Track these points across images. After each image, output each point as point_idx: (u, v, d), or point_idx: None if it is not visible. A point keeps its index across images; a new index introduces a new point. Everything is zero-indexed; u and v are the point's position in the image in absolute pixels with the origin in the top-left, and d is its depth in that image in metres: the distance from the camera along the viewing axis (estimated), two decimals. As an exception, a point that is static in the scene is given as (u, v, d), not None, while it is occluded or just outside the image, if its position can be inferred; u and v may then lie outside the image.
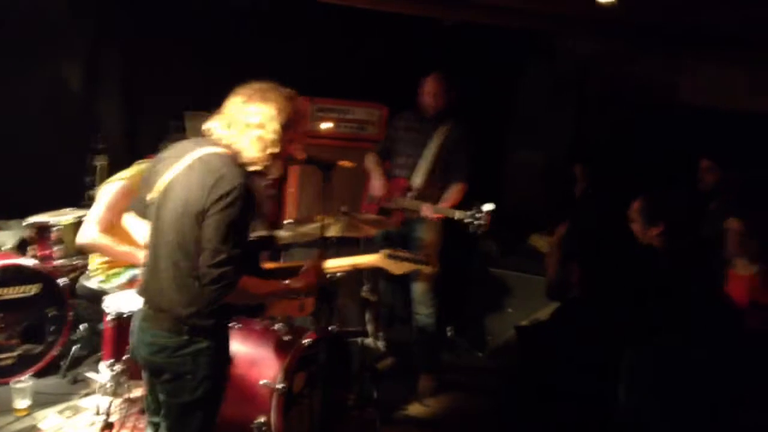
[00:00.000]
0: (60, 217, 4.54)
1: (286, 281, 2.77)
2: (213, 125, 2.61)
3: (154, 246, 2.60)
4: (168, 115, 5.28)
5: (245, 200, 2.45)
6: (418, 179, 4.63)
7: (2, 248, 4.55)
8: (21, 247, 4.72)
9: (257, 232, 2.65)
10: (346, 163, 3.31)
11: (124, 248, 3.75)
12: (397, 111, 5.07)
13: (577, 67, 6.30)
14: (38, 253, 4.50)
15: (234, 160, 2.54)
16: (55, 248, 4.50)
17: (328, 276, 2.86)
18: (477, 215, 4.12)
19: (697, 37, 5.01)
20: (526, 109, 6.83)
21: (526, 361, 2.71)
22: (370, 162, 4.81)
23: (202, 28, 5.46)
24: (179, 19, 5.41)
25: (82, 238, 3.83)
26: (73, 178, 4.90)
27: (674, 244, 3.25)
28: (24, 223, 4.60)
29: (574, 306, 2.65)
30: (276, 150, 2.58)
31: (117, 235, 3.85)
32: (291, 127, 2.61)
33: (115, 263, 4.08)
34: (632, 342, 2.56)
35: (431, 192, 4.62)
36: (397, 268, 2.91)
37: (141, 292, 2.70)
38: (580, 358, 2.68)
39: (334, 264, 2.91)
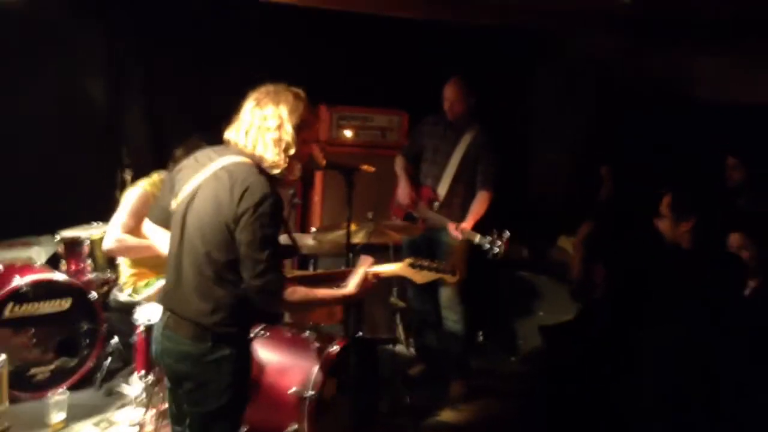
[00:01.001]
0: (90, 231, 4.60)
1: (341, 289, 2.72)
2: (231, 134, 2.63)
3: (177, 254, 2.61)
4: (193, 127, 5.32)
5: (275, 208, 2.47)
6: (442, 189, 4.62)
7: (35, 263, 4.61)
8: (53, 262, 4.79)
9: (282, 241, 2.63)
10: (368, 168, 3.32)
11: (146, 241, 3.81)
12: (417, 116, 5.07)
13: (593, 65, 6.25)
14: (70, 268, 4.56)
15: (258, 168, 2.55)
16: (87, 262, 4.56)
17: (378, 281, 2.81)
18: (497, 243, 4.13)
19: (716, 31, 4.95)
20: (544, 110, 6.79)
21: (551, 361, 2.68)
22: (398, 166, 4.82)
23: (223, 38, 5.51)
24: (201, 33, 5.48)
25: (107, 244, 3.96)
26: (102, 192, 4.96)
27: (704, 239, 3.21)
28: (55, 239, 4.67)
29: (597, 306, 2.62)
30: (293, 151, 2.58)
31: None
32: (304, 127, 2.62)
33: (145, 274, 4.13)
34: (657, 337, 2.52)
35: (457, 201, 4.60)
36: (421, 277, 2.88)
37: (162, 300, 2.70)
38: (603, 356, 2.65)
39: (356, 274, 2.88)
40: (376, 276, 2.79)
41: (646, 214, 3.41)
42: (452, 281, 2.94)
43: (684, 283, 2.91)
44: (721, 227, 3.40)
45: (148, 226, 2.86)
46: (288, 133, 2.56)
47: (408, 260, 2.88)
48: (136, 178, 4.56)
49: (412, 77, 5.81)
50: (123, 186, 4.67)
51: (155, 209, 2.82)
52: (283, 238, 2.68)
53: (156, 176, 4.16)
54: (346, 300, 2.74)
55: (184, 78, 5.55)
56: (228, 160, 2.57)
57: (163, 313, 2.69)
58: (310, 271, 4.98)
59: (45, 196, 4.99)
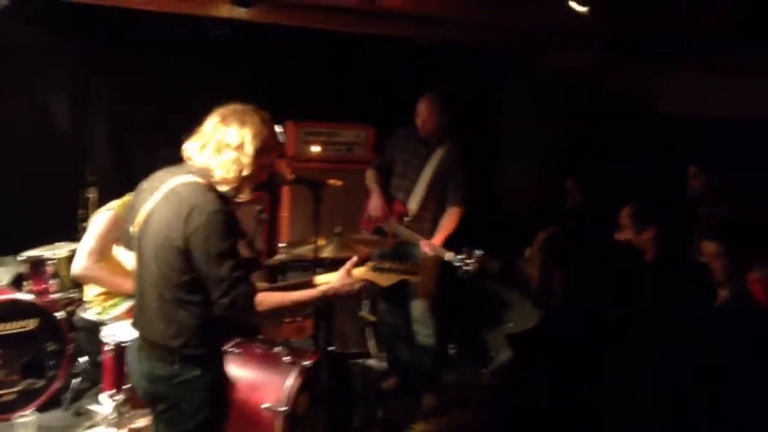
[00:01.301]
0: (54, 251, 4.53)
1: (321, 287, 2.74)
2: (189, 147, 2.60)
3: (139, 278, 2.61)
4: (157, 144, 5.30)
5: (226, 223, 2.44)
6: (413, 204, 4.62)
7: (-2, 284, 4.54)
8: (17, 283, 4.71)
9: (243, 255, 2.63)
10: (335, 182, 3.34)
11: (118, 279, 3.80)
12: (384, 130, 5.09)
13: (558, 81, 6.36)
14: (34, 288, 4.48)
15: (207, 186, 2.52)
16: (51, 282, 4.49)
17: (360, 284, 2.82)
18: (468, 261, 4.13)
19: (675, 46, 5.08)
20: (512, 125, 6.89)
21: (518, 369, 2.72)
22: (369, 179, 4.81)
23: (187, 57, 5.49)
24: (165, 52, 5.46)
25: (76, 269, 3.89)
26: (66, 211, 4.90)
27: (667, 247, 3.28)
28: (18, 258, 4.59)
29: (557, 312, 2.67)
30: (248, 173, 2.55)
31: (110, 265, 3.88)
32: (265, 152, 2.60)
33: (112, 294, 4.09)
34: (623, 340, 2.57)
35: (427, 215, 4.62)
36: (384, 279, 2.90)
37: (134, 324, 2.69)
38: (565, 363, 2.69)
39: (323, 280, 2.89)
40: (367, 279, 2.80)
41: (609, 223, 3.48)
42: (416, 280, 2.96)
43: (651, 290, 2.97)
44: (684, 235, 3.48)
45: (119, 250, 2.85)
46: (247, 156, 2.54)
47: (370, 264, 2.90)
48: (100, 196, 4.52)
49: (379, 92, 5.86)
50: (86, 205, 4.62)
51: (123, 233, 2.84)
52: (246, 252, 2.68)
53: (128, 197, 4.11)
54: (324, 298, 2.73)
55: (147, 97, 5.52)
56: (178, 180, 2.54)
57: (136, 336, 2.68)
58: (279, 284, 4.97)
59: (7, 216, 4.92)
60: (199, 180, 2.53)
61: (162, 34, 5.29)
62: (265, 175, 2.67)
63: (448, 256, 4.23)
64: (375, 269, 2.88)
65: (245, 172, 2.54)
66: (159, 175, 2.64)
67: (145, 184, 2.67)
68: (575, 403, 2.69)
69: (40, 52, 5.21)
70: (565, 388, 2.68)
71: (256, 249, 2.81)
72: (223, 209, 2.46)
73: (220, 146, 2.54)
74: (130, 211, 2.69)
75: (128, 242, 2.71)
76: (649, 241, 3.28)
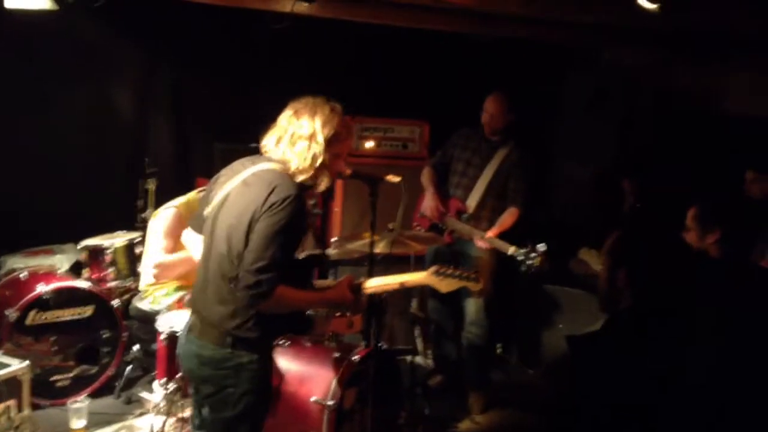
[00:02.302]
0: (113, 240, 4.62)
1: (326, 294, 2.79)
2: (266, 141, 2.69)
3: (205, 259, 2.67)
4: (216, 135, 5.38)
5: (295, 210, 2.50)
6: (472, 201, 4.58)
7: (58, 271, 4.64)
8: (75, 270, 4.82)
9: (308, 250, 2.67)
10: (392, 178, 3.30)
11: (183, 255, 3.83)
12: (438, 126, 5.06)
13: (619, 78, 6.22)
14: (92, 276, 4.58)
15: (288, 174, 2.60)
16: (109, 270, 4.58)
17: (367, 293, 2.83)
18: (531, 255, 4.06)
19: (743, 44, 4.91)
20: (569, 122, 6.76)
21: (578, 372, 2.65)
22: (425, 177, 4.78)
23: (247, 50, 5.55)
24: (225, 42, 5.52)
25: (152, 267, 3.91)
26: (125, 201, 5.01)
27: (732, 251, 3.17)
28: (78, 247, 4.70)
29: (625, 316, 2.59)
30: (320, 161, 2.61)
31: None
32: (337, 141, 2.66)
33: (163, 284, 4.14)
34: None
35: (485, 214, 4.57)
36: (445, 285, 2.87)
37: (190, 303, 2.77)
38: (633, 368, 2.61)
39: (381, 282, 2.89)
40: (402, 285, 2.82)
41: (671, 226, 3.38)
42: (476, 288, 2.93)
43: (713, 294, 2.88)
44: (750, 239, 3.36)
45: (187, 235, 2.90)
46: (319, 144, 2.61)
47: (432, 268, 2.88)
48: (159, 187, 4.59)
49: (434, 88, 5.81)
50: (145, 195, 4.70)
51: (194, 217, 2.88)
52: (312, 248, 2.71)
53: (193, 195, 4.16)
54: (329, 302, 2.80)
55: (209, 89, 5.60)
56: (259, 167, 2.64)
57: (190, 316, 2.73)
58: (329, 280, 4.97)
59: (69, 204, 5.05)
60: (280, 167, 2.62)
61: (223, 28, 5.35)
62: (340, 164, 2.77)
63: (512, 250, 4.16)
64: (437, 274, 2.85)
65: (319, 161, 2.60)
66: (240, 161, 2.75)
67: (224, 170, 2.76)
68: (639, 407, 2.62)
69: (105, 44, 5.33)
70: (630, 392, 2.61)
71: (322, 244, 2.84)
72: (300, 197, 2.54)
73: (294, 138, 2.62)
74: (204, 196, 2.79)
75: (199, 225, 2.78)
76: (713, 245, 3.17)
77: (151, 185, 4.77)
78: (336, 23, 5.05)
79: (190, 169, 5.47)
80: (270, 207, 2.47)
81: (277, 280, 2.47)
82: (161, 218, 4.02)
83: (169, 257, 3.91)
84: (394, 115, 5.72)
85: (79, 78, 5.27)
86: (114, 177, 5.31)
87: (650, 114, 6.05)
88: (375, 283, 2.88)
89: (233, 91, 5.57)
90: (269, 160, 2.66)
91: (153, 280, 4.12)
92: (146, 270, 4.02)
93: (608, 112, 6.39)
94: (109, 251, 4.58)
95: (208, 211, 2.71)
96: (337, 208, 5.48)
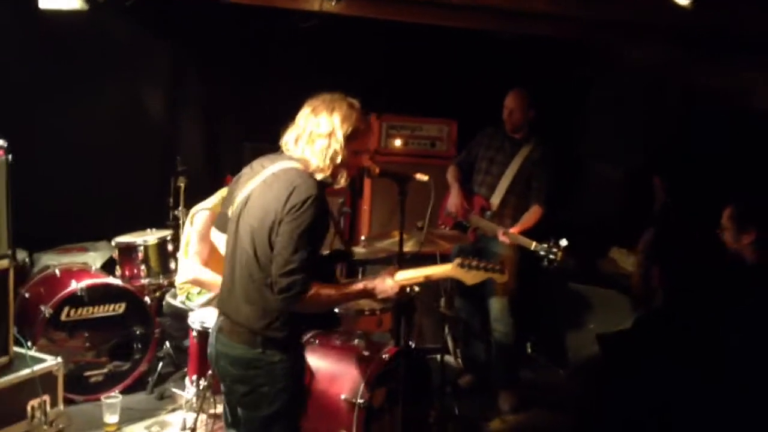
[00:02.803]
0: (145, 238, 4.67)
1: (360, 284, 2.74)
2: (285, 139, 2.68)
3: (230, 259, 2.67)
4: (245, 134, 5.42)
5: (317, 210, 2.49)
6: (496, 199, 4.60)
7: (91, 268, 4.71)
8: (108, 267, 4.89)
9: (333, 247, 2.66)
10: (421, 176, 3.30)
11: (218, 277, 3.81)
12: (466, 125, 5.06)
13: (645, 76, 6.15)
14: (124, 273, 4.64)
15: (308, 173, 2.59)
16: (141, 267, 4.63)
17: (406, 287, 2.83)
18: (553, 250, 4.05)
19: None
20: (598, 121, 6.70)
21: (609, 369, 2.63)
22: (450, 175, 4.81)
23: (275, 49, 5.58)
24: (253, 40, 5.57)
25: (187, 274, 3.91)
26: (157, 199, 5.06)
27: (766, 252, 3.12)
28: (111, 244, 4.76)
29: (658, 315, 2.56)
30: (340, 159, 2.59)
31: (212, 261, 3.90)
32: (356, 137, 2.64)
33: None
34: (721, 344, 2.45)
35: (508, 212, 4.58)
36: (471, 277, 2.86)
37: (218, 304, 2.77)
38: (665, 368, 2.58)
39: (408, 275, 2.88)
40: (427, 278, 2.80)
41: (704, 224, 3.33)
42: (502, 280, 2.92)
43: (749, 297, 2.83)
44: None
45: (214, 234, 2.93)
46: (338, 141, 2.59)
47: (457, 260, 2.87)
48: (189, 185, 4.63)
49: (461, 86, 5.79)
50: (177, 193, 4.74)
51: (220, 217, 2.91)
52: (336, 245, 2.70)
53: (218, 195, 4.15)
54: (364, 293, 2.73)
55: (238, 89, 5.64)
56: (279, 166, 2.63)
57: (218, 316, 2.74)
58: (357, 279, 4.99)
59: (101, 202, 5.13)
60: (300, 166, 2.60)
61: (252, 27, 5.39)
62: (360, 160, 2.74)
63: (534, 246, 4.15)
64: (461, 266, 2.85)
65: (339, 159, 2.59)
66: (260, 161, 2.74)
67: (245, 170, 2.76)
68: (672, 406, 2.58)
69: (136, 43, 5.40)
70: (662, 393, 2.58)
71: (346, 241, 2.82)
72: (320, 196, 2.53)
73: (313, 136, 2.60)
74: (228, 195, 2.80)
75: (223, 225, 2.80)
76: (748, 246, 3.13)
77: (182, 183, 4.81)
78: (363, 21, 5.05)
79: (220, 167, 5.50)
80: (291, 209, 2.47)
81: (309, 280, 2.47)
82: (196, 221, 3.99)
83: (206, 275, 3.84)
84: (422, 113, 5.71)
85: (111, 78, 5.36)
86: (145, 175, 5.38)
87: (677, 112, 5.97)
88: (402, 276, 2.86)
89: (262, 90, 5.60)
90: (289, 158, 2.64)
91: (188, 279, 4.15)
92: (183, 268, 4.03)
93: (635, 110, 6.32)
94: (141, 249, 4.63)
95: (231, 210, 2.72)
96: (365, 206, 5.49)
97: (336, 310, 3.40)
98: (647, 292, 2.45)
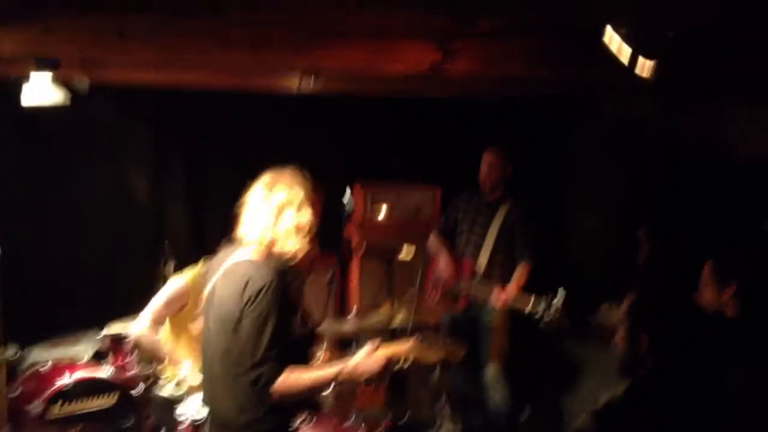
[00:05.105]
0: (133, 326, 4.63)
1: (338, 366, 2.61)
2: (243, 230, 2.64)
3: (206, 354, 2.66)
4: (233, 217, 5.42)
5: (275, 298, 2.46)
6: (482, 260, 4.62)
7: (81, 360, 4.65)
8: (98, 358, 4.83)
9: (300, 330, 2.60)
10: (406, 255, 3.32)
11: (167, 349, 3.79)
12: (450, 191, 5.11)
13: (627, 128, 6.26)
14: (115, 363, 4.57)
15: (263, 261, 2.56)
16: (131, 356, 4.57)
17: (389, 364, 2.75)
18: (549, 309, 4.06)
19: (748, 89, 4.93)
20: (581, 175, 6.78)
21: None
22: (434, 243, 4.83)
23: (258, 129, 5.64)
24: (238, 125, 5.64)
25: (135, 330, 3.86)
26: (146, 285, 5.04)
27: (750, 305, 3.12)
28: (101, 334, 4.71)
29: (646, 381, 2.55)
30: (312, 233, 2.60)
31: (183, 335, 3.90)
32: (316, 206, 2.63)
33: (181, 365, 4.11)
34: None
35: (497, 272, 4.60)
36: (429, 355, 2.86)
37: (204, 401, 2.75)
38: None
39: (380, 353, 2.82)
40: (390, 358, 2.69)
41: (687, 280, 3.34)
42: (458, 358, 2.91)
43: (730, 353, 2.83)
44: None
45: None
46: (306, 216, 2.59)
47: (417, 337, 2.86)
48: (177, 268, 4.62)
49: (444, 153, 5.87)
50: (165, 278, 4.72)
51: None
52: (301, 328, 2.64)
53: (202, 266, 4.15)
54: (344, 376, 2.58)
55: (223, 170, 5.69)
56: (234, 259, 2.60)
57: (208, 414, 2.72)
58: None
59: (92, 290, 5.12)
60: (253, 257, 2.57)
61: (234, 108, 5.46)
62: (318, 221, 2.67)
63: (530, 308, 4.16)
64: (420, 344, 2.83)
65: (311, 234, 2.60)
66: (219, 255, 2.73)
67: (211, 262, 2.76)
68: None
69: (120, 130, 5.46)
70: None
71: (311, 324, 2.77)
72: (276, 284, 2.49)
73: (279, 221, 2.57)
74: (197, 289, 2.82)
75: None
76: (730, 299, 3.13)
77: (171, 267, 4.80)
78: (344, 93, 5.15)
79: (208, 252, 5.51)
80: (248, 302, 2.45)
81: (276, 371, 2.44)
82: (169, 284, 4.00)
83: (150, 335, 3.80)
84: (406, 181, 5.76)
85: (96, 166, 5.41)
86: (135, 261, 5.36)
87: (660, 162, 6.05)
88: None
89: (248, 170, 5.64)
90: (247, 245, 2.61)
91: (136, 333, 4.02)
92: (136, 324, 3.93)
93: (618, 161, 6.41)
94: (130, 338, 4.58)
95: (202, 304, 2.71)
96: (354, 281, 5.47)
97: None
98: (635, 357, 2.45)
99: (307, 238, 2.59)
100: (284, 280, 2.55)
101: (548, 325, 4.07)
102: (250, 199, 2.65)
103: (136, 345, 4.07)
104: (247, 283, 2.47)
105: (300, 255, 2.59)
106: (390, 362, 2.70)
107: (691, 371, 2.56)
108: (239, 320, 2.46)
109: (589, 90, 5.40)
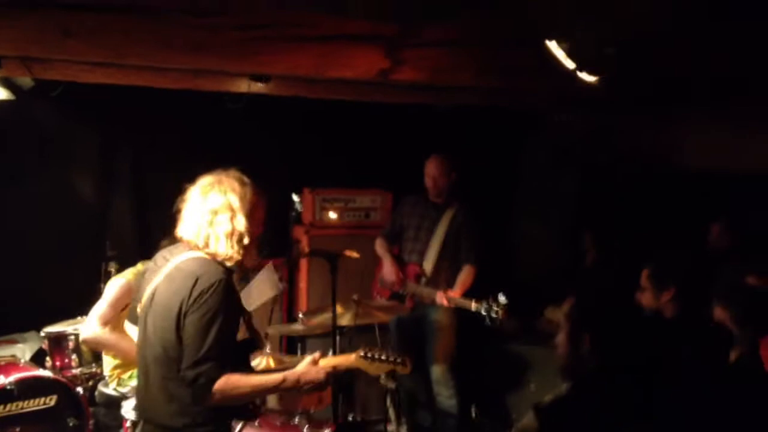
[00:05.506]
0: (75, 326, 4.56)
1: (281, 374, 2.63)
2: (183, 231, 2.60)
3: (142, 358, 2.59)
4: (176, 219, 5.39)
5: (224, 296, 2.44)
6: (428, 264, 4.68)
7: (20, 361, 4.56)
8: (39, 358, 4.74)
9: (240, 335, 2.60)
10: (351, 254, 3.36)
11: (126, 344, 3.81)
12: (401, 195, 5.16)
13: (574, 138, 6.40)
14: (55, 363, 4.50)
15: (212, 259, 2.54)
16: (72, 357, 4.51)
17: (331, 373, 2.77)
18: (494, 308, 4.14)
19: (691, 101, 5.07)
20: (528, 183, 6.91)
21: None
22: (380, 247, 4.89)
23: (204, 130, 5.60)
24: (184, 127, 5.60)
25: (85, 333, 3.95)
26: (87, 285, 4.97)
27: (687, 308, 3.24)
28: (40, 335, 4.63)
29: (588, 380, 2.62)
30: (247, 240, 2.55)
31: (120, 333, 3.92)
32: (254, 211, 2.59)
33: (128, 366, 4.10)
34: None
35: (443, 276, 4.66)
36: (374, 368, 2.87)
37: (136, 408, 2.69)
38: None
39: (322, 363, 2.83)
40: (334, 368, 2.74)
41: (631, 281, 3.44)
42: (405, 372, 2.94)
43: (667, 353, 2.93)
44: (704, 296, 3.43)
45: (128, 327, 2.87)
46: (240, 223, 2.54)
47: (360, 352, 2.87)
48: (119, 270, 4.58)
49: (394, 157, 5.92)
50: (107, 279, 4.67)
51: (131, 311, 2.84)
52: (243, 332, 2.64)
53: (140, 266, 4.18)
54: (287, 385, 2.60)
55: (168, 172, 5.62)
56: (179, 258, 2.56)
57: (140, 420, 2.65)
58: (297, 355, 4.95)
59: (31, 291, 5.01)
60: (202, 255, 2.54)
61: (180, 109, 5.42)
62: (261, 229, 2.65)
63: (474, 306, 4.23)
64: (365, 357, 2.85)
65: (245, 241, 2.55)
66: (162, 253, 2.68)
67: (150, 264, 2.71)
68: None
69: (64, 130, 5.37)
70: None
71: (254, 329, 2.77)
72: (226, 282, 2.47)
73: (213, 225, 2.53)
74: (137, 291, 2.72)
75: (135, 319, 2.72)
76: (668, 303, 3.24)
77: (113, 269, 4.75)
78: (291, 99, 5.15)
79: (151, 252, 5.46)
80: (196, 299, 2.40)
81: (217, 371, 2.40)
82: (109, 287, 4.07)
83: (104, 335, 3.89)
84: (357, 186, 5.79)
85: (38, 165, 5.30)
86: (76, 262, 5.28)
87: (607, 172, 6.20)
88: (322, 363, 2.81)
89: (193, 172, 5.60)
90: (189, 247, 2.57)
91: (115, 362, 4.10)
92: (84, 328, 4.00)
93: (566, 169, 6.55)
94: (71, 338, 4.51)
95: (139, 309, 2.64)
96: (302, 282, 5.48)
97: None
98: (576, 359, 2.51)
99: (241, 245, 2.54)
100: (232, 281, 2.53)
101: (494, 323, 4.14)
102: (189, 200, 2.61)
103: (88, 346, 4.06)
104: (196, 280, 2.43)
105: (233, 260, 2.55)
106: (331, 375, 2.72)
107: (631, 371, 2.65)
108: (185, 316, 2.41)
109: (538, 100, 5.50)
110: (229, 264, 2.55)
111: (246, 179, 2.63)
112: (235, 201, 2.54)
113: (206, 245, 2.54)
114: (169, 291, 2.50)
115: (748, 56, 3.54)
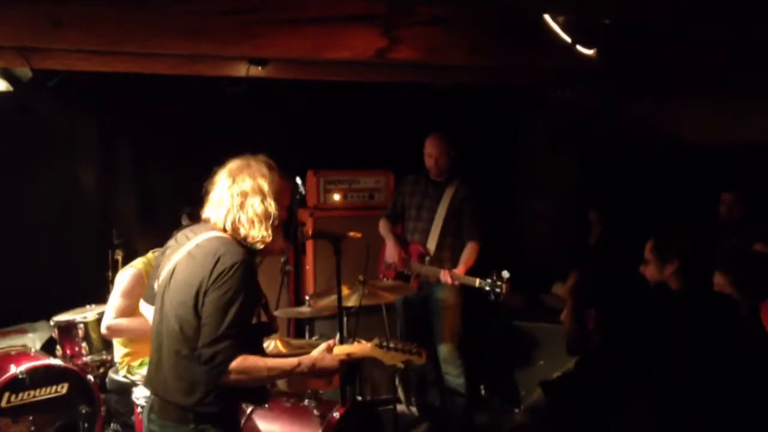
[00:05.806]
0: (84, 314, 4.59)
1: (296, 359, 2.63)
2: (210, 214, 2.61)
3: (157, 334, 2.60)
4: (180, 204, 5.41)
5: (245, 277, 2.44)
6: (432, 243, 4.68)
7: (30, 351, 4.60)
8: (49, 347, 4.78)
9: (256, 319, 2.62)
10: (354, 234, 3.36)
11: (138, 323, 3.83)
12: (403, 175, 5.16)
13: (578, 114, 6.37)
14: (65, 352, 4.54)
15: (235, 240, 2.55)
16: (82, 345, 4.54)
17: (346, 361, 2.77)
18: (498, 283, 4.15)
19: (693, 76, 5.04)
20: (530, 160, 6.89)
21: (555, 417, 2.66)
22: (383, 228, 4.89)
23: (205, 116, 5.60)
24: (186, 113, 5.59)
25: (104, 327, 4.00)
26: (95, 274, 5.00)
27: (692, 280, 3.23)
28: (50, 324, 4.67)
29: (596, 355, 2.62)
30: (277, 222, 2.57)
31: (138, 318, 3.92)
32: (282, 195, 2.62)
33: (138, 353, 4.13)
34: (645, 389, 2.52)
35: (447, 254, 4.66)
36: (389, 358, 2.87)
37: (147, 383, 2.70)
38: (606, 408, 2.63)
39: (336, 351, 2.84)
40: (348, 356, 2.75)
41: (635, 258, 3.44)
42: (420, 362, 2.94)
43: (674, 325, 2.92)
44: (709, 266, 3.42)
45: (143, 306, 2.87)
46: (272, 206, 2.56)
47: (375, 341, 2.87)
48: (126, 257, 4.60)
49: (396, 138, 5.91)
50: (114, 267, 4.70)
51: (148, 290, 2.83)
52: (260, 316, 2.65)
53: (151, 255, 4.20)
54: (302, 370, 2.60)
55: (170, 158, 5.65)
56: (202, 237, 2.57)
57: (149, 396, 2.67)
58: (305, 338, 4.98)
59: (39, 281, 5.04)
60: (226, 235, 2.55)
61: (180, 96, 5.42)
62: (285, 214, 2.67)
63: (478, 283, 4.24)
64: (379, 347, 2.86)
65: (276, 222, 2.57)
66: (184, 232, 2.68)
67: (170, 242, 2.71)
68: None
69: (65, 120, 5.38)
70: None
71: (270, 313, 2.78)
72: (249, 263, 2.49)
73: (245, 208, 2.54)
74: (155, 268, 2.72)
75: (152, 298, 2.73)
76: (672, 275, 3.23)
77: (119, 256, 4.77)
78: (292, 81, 5.14)
79: (156, 238, 5.50)
80: (217, 278, 2.41)
81: (235, 350, 2.40)
82: (120, 279, 4.09)
83: (121, 321, 3.95)
84: (359, 167, 5.79)
85: (44, 154, 5.32)
86: (83, 251, 5.31)
87: (607, 147, 6.18)
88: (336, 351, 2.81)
89: (195, 158, 5.59)
90: (213, 228, 2.57)
91: (125, 350, 4.12)
92: (103, 321, 4.04)
93: (569, 146, 6.53)
94: (80, 326, 4.55)
95: (157, 284, 2.66)
96: (309, 264, 5.50)
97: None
98: (582, 334, 2.51)
99: (270, 228, 2.56)
100: (254, 262, 2.54)
101: (497, 298, 4.16)
102: (216, 185, 2.61)
103: (110, 337, 4.11)
104: (218, 259, 2.43)
105: (263, 244, 2.56)
106: (345, 363, 2.73)
107: (637, 343, 2.65)
108: (205, 294, 2.42)
109: (536, 77, 5.46)
110: (260, 246, 2.56)
111: (273, 163, 2.64)
112: (264, 184, 2.56)
113: (234, 228, 2.55)
114: (189, 268, 2.51)
115: (747, 31, 3.52)
